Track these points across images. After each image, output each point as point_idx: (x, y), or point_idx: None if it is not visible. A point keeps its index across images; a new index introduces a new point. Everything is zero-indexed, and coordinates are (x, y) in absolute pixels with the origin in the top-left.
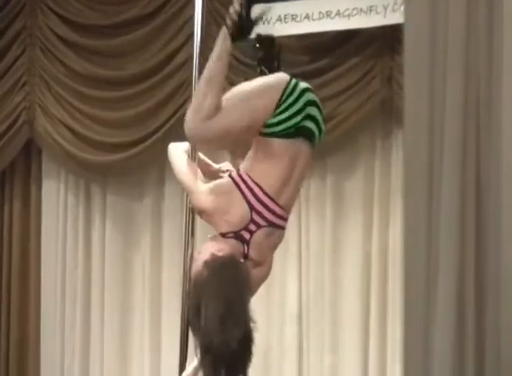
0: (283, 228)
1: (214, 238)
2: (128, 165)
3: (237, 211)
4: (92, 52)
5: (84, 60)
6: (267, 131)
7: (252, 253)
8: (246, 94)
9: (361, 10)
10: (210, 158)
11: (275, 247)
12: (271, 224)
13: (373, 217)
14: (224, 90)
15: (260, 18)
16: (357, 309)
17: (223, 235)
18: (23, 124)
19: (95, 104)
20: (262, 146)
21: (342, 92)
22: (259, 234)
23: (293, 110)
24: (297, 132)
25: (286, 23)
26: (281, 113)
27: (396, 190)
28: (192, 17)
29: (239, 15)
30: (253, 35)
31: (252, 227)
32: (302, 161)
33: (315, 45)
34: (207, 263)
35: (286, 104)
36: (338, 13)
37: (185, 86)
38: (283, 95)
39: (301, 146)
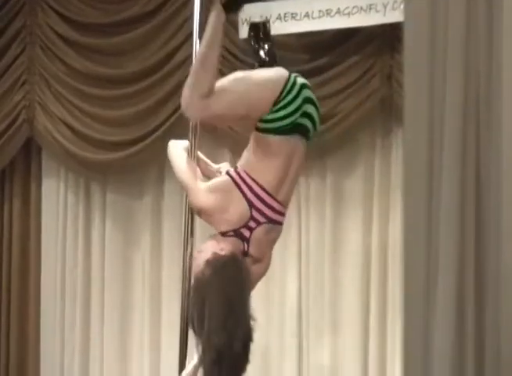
0: (281, 223)
1: (214, 237)
2: (127, 164)
3: (236, 209)
4: (92, 51)
5: (84, 59)
6: (264, 126)
7: (252, 250)
8: (247, 83)
9: (361, 8)
10: (209, 158)
11: (273, 243)
12: (270, 220)
13: (373, 215)
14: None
15: None
16: (357, 308)
17: (223, 234)
18: (22, 123)
19: (95, 102)
20: (259, 143)
21: (342, 90)
22: (259, 231)
23: (292, 109)
24: (293, 129)
25: (285, 21)
26: (279, 110)
27: (396, 189)
28: (192, 15)
29: None
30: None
31: (252, 224)
32: (298, 157)
33: (315, 43)
34: (209, 262)
35: (285, 101)
36: (338, 11)
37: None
38: (282, 91)
39: (296, 142)
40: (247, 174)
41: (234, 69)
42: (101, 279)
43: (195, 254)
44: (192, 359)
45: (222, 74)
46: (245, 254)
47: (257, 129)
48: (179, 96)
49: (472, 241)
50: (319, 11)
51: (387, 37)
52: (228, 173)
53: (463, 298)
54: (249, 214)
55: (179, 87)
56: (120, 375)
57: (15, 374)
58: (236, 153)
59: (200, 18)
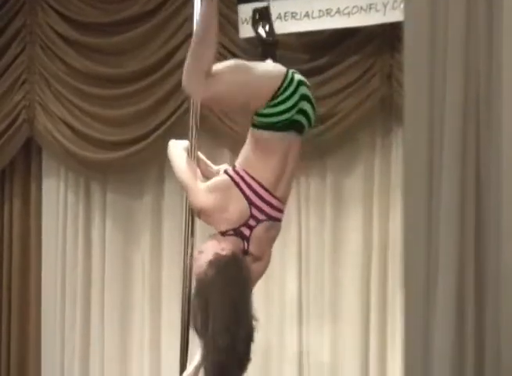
0: (280, 220)
1: (214, 237)
2: (127, 163)
3: (236, 208)
4: (92, 50)
5: (84, 58)
6: (261, 120)
7: (252, 248)
8: (248, 72)
9: (361, 8)
10: (209, 158)
11: (273, 240)
12: (270, 217)
13: (373, 215)
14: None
15: None
16: (357, 307)
17: (223, 233)
18: (22, 123)
19: (95, 102)
20: (256, 141)
21: (342, 90)
22: (259, 229)
23: (289, 105)
24: (289, 126)
25: (285, 21)
26: (277, 105)
27: (396, 188)
28: (192, 15)
29: None
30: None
31: (252, 222)
32: (294, 154)
33: (315, 42)
34: (211, 263)
35: (282, 97)
36: (338, 11)
37: None
38: (281, 86)
39: (292, 138)
40: (246, 172)
41: None
42: (101, 279)
43: (195, 254)
44: (193, 359)
45: None
46: (245, 252)
47: (254, 125)
48: (180, 95)
49: (472, 241)
50: (319, 10)
51: (387, 37)
52: (226, 172)
53: (463, 298)
54: (248, 212)
55: (179, 86)
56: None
57: (16, 373)
58: (235, 153)
59: None
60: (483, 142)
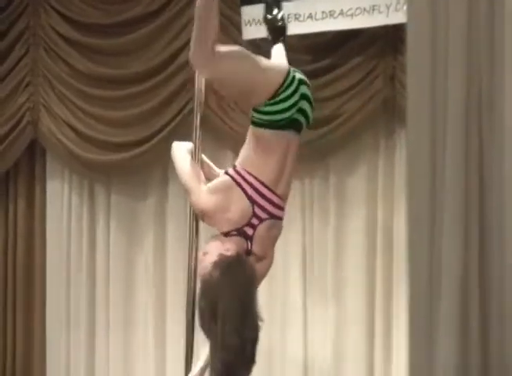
0: (281, 219)
1: (217, 238)
2: (132, 165)
3: (238, 208)
4: (96, 52)
5: (88, 60)
6: (261, 118)
7: (255, 248)
8: (254, 63)
9: (364, 10)
10: (212, 159)
11: (275, 240)
12: (272, 216)
13: (377, 216)
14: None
15: None
16: (361, 308)
17: (226, 234)
18: (27, 125)
19: (99, 104)
20: (257, 139)
21: (345, 91)
22: (261, 228)
23: (289, 103)
24: (289, 124)
25: (289, 22)
26: (278, 103)
27: (400, 189)
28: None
29: None
30: None
31: (254, 221)
32: (293, 151)
33: (318, 44)
34: (216, 264)
35: (284, 95)
36: (341, 13)
37: (190, 84)
38: (283, 83)
39: (290, 137)
40: (247, 171)
41: None
42: (106, 280)
43: (199, 256)
44: (199, 360)
45: None
46: (248, 252)
47: (254, 123)
48: (183, 97)
49: (476, 241)
50: (322, 12)
51: (389, 39)
52: (227, 173)
53: (467, 298)
54: (251, 211)
55: (183, 87)
56: None
57: (21, 374)
58: (238, 155)
59: None
60: (486, 143)
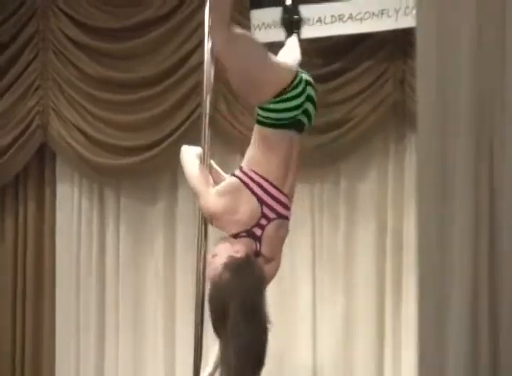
0: (288, 219)
1: (226, 240)
2: (141, 169)
3: (247, 209)
4: (105, 55)
5: (97, 63)
6: (268, 116)
7: (264, 249)
8: (267, 56)
9: (373, 14)
10: (221, 163)
11: (283, 240)
12: (280, 215)
13: (387, 221)
14: None
15: None
16: (371, 310)
17: (235, 236)
18: (36, 129)
19: (109, 107)
20: (263, 139)
21: (355, 95)
22: (270, 228)
23: (295, 103)
24: (292, 124)
25: None
26: (285, 101)
27: (410, 194)
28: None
29: None
30: None
31: (263, 221)
32: (296, 151)
33: (328, 48)
34: (226, 266)
35: (291, 94)
36: (350, 17)
37: (200, 88)
38: (291, 83)
39: (293, 136)
40: (253, 171)
41: None
42: (115, 283)
43: (209, 258)
44: (207, 364)
45: None
46: (257, 254)
47: (260, 122)
48: (194, 100)
49: (486, 244)
50: (332, 16)
51: (399, 43)
52: (234, 174)
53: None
54: (260, 211)
55: (194, 91)
56: None
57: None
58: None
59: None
60: (497, 147)
